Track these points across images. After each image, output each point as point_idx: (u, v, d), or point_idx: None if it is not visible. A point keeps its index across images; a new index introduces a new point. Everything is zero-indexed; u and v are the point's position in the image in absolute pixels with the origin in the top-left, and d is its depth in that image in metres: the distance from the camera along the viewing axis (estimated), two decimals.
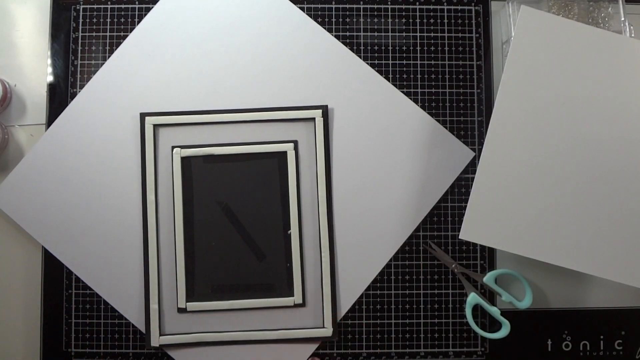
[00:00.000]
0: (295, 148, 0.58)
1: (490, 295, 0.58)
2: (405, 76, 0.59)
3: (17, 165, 0.57)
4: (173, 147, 0.57)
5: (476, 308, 0.58)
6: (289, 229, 0.57)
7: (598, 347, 0.58)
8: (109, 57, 0.58)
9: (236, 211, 0.57)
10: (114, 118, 0.58)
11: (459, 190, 0.59)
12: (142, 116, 0.57)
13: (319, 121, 0.58)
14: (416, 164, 0.58)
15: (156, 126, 0.57)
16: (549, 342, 0.58)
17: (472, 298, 0.57)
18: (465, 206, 0.54)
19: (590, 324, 0.58)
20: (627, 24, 0.56)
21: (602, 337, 0.58)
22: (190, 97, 0.58)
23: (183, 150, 0.57)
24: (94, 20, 0.59)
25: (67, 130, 0.57)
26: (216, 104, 0.58)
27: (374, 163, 0.58)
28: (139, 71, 0.58)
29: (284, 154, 0.58)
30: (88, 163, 0.57)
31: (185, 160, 0.57)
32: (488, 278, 0.57)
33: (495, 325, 0.57)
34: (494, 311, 0.56)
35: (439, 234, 0.58)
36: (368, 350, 0.57)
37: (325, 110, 0.58)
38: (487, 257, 0.58)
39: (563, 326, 0.58)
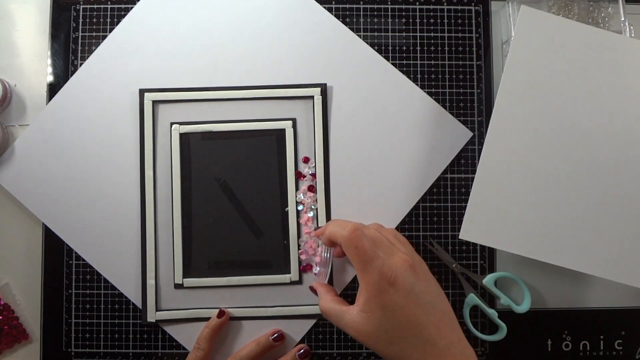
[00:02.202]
0: (294, 126, 0.58)
1: (490, 297, 0.58)
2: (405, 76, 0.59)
3: (16, 140, 0.57)
4: (172, 124, 0.58)
5: (475, 309, 0.58)
6: (287, 206, 0.57)
7: (598, 347, 0.58)
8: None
9: (234, 188, 0.57)
10: (113, 94, 0.58)
11: (459, 190, 0.59)
12: (141, 92, 0.57)
13: (318, 99, 0.58)
14: (414, 143, 0.58)
15: (155, 102, 0.58)
16: (549, 342, 0.58)
17: (471, 299, 0.56)
18: (465, 206, 0.55)
19: (590, 324, 0.58)
20: (627, 24, 0.56)
21: (602, 337, 0.58)
22: (189, 74, 0.58)
23: (182, 126, 0.57)
24: (94, 20, 0.59)
25: (66, 105, 0.58)
26: (215, 81, 0.58)
27: (372, 141, 0.58)
28: (138, 47, 0.58)
29: (282, 132, 0.58)
30: (87, 139, 0.58)
31: (183, 136, 0.58)
32: (488, 280, 0.57)
33: (494, 326, 0.57)
34: (492, 313, 0.56)
35: (439, 234, 0.58)
36: (368, 350, 0.58)
37: (324, 89, 0.58)
38: (487, 257, 0.58)
39: (563, 326, 0.58)
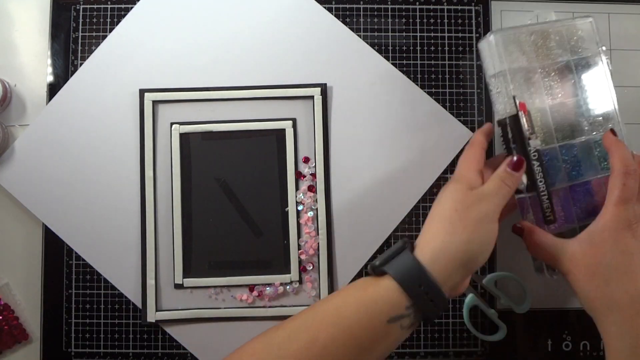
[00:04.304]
0: (294, 126, 0.58)
1: (490, 297, 0.58)
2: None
3: (16, 140, 0.57)
4: (172, 124, 0.58)
5: (475, 309, 0.58)
6: (287, 206, 0.57)
7: (598, 347, 0.58)
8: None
9: (234, 188, 0.57)
10: (114, 94, 0.58)
11: None
12: (142, 92, 0.57)
13: (318, 99, 0.58)
14: (414, 142, 0.58)
15: (155, 102, 0.58)
16: (549, 342, 0.58)
17: (470, 299, 0.56)
18: None
19: (590, 324, 0.58)
20: (602, 50, 0.55)
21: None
22: (189, 74, 0.58)
23: (182, 126, 0.58)
24: (94, 20, 0.59)
25: (66, 105, 0.58)
26: (215, 81, 0.58)
27: (372, 141, 0.58)
28: (139, 47, 0.58)
29: (282, 132, 0.58)
30: (87, 139, 0.58)
31: (183, 136, 0.58)
32: (488, 280, 0.57)
33: (494, 326, 0.57)
34: (492, 313, 0.56)
35: None
36: None
37: (324, 89, 0.58)
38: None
39: (563, 326, 0.58)
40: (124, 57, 0.58)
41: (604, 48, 0.55)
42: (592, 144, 0.54)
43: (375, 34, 0.60)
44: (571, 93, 0.55)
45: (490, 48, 0.55)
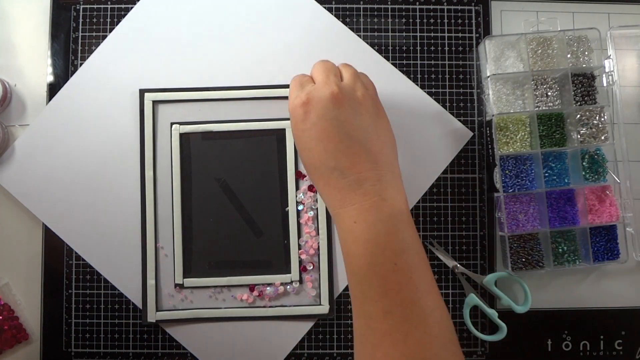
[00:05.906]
0: None
1: (490, 297, 0.58)
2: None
3: (16, 140, 0.57)
4: (172, 124, 0.58)
5: (476, 309, 0.58)
6: (287, 206, 0.57)
7: (598, 347, 0.58)
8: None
9: (234, 188, 0.57)
10: (114, 94, 0.58)
11: (459, 190, 0.59)
12: (142, 92, 0.57)
13: None
14: (414, 143, 0.58)
15: (155, 102, 0.58)
16: (549, 342, 0.58)
17: (471, 299, 0.56)
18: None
19: (590, 324, 0.58)
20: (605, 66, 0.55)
21: (602, 337, 0.58)
22: (189, 74, 0.58)
23: (182, 126, 0.58)
24: (94, 20, 0.59)
25: (66, 106, 0.58)
26: (215, 81, 0.58)
27: None
28: (139, 47, 0.58)
29: (282, 132, 0.58)
30: (87, 139, 0.58)
31: (184, 136, 0.58)
32: (488, 280, 0.57)
33: (494, 326, 0.57)
34: (492, 313, 0.56)
35: (439, 234, 0.58)
36: None
37: None
38: (487, 258, 0.58)
39: (563, 326, 0.58)
40: (123, 57, 0.58)
41: (608, 61, 0.56)
42: (580, 154, 0.55)
43: (375, 34, 0.60)
44: (566, 102, 0.56)
45: (483, 52, 0.56)
